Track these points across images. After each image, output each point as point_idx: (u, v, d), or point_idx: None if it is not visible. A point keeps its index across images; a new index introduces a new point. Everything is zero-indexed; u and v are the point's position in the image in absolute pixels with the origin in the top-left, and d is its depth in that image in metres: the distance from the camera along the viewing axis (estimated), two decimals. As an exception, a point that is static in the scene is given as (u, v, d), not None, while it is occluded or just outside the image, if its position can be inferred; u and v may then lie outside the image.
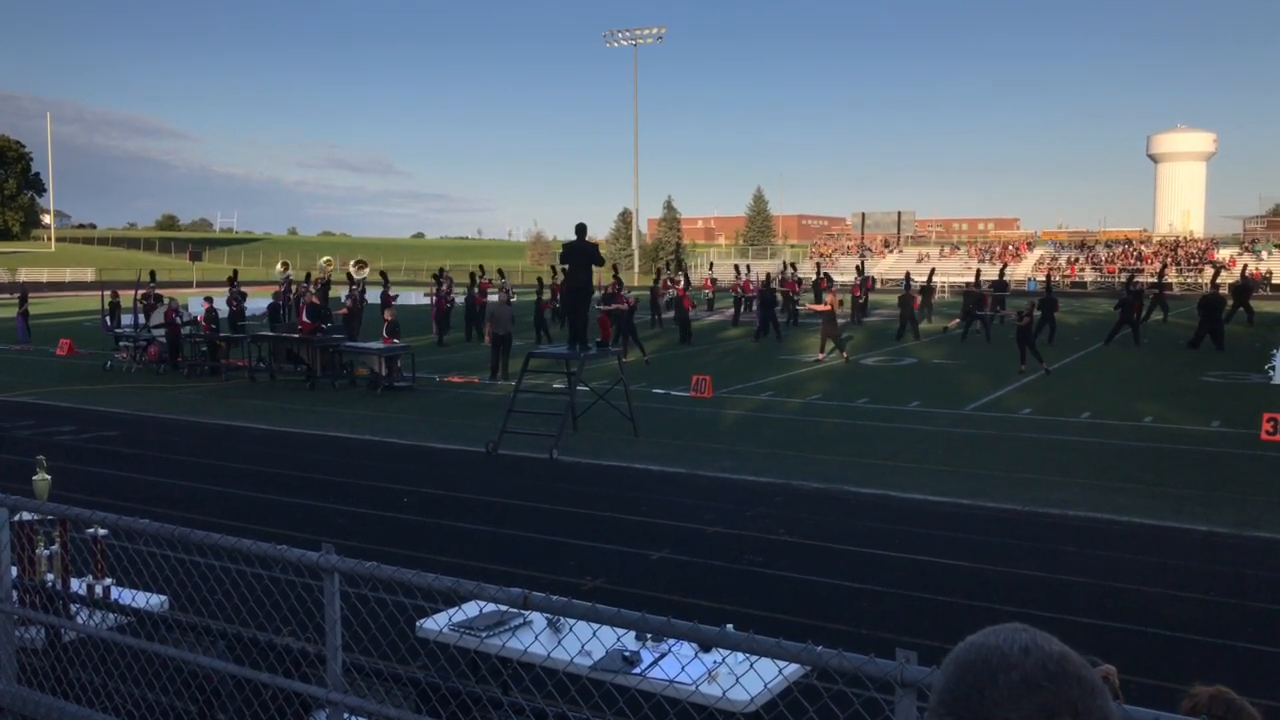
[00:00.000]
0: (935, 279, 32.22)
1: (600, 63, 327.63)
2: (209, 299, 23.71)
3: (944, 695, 1.05)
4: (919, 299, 30.59)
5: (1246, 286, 32.39)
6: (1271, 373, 19.89)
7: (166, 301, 23.56)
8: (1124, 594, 7.53)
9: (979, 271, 37.03)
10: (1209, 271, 46.69)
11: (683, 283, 32.10)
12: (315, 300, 21.73)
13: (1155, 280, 34.42)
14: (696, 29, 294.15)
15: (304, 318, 20.87)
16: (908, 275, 33.11)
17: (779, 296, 33.64)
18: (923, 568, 8.15)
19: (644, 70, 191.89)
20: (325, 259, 31.77)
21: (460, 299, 30.97)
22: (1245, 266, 36.20)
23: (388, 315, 21.09)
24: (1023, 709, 0.99)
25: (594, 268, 14.60)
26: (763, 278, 32.63)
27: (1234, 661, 6.26)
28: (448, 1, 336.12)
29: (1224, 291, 32.10)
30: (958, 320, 30.85)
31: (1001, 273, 35.41)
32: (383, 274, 30.50)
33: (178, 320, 22.43)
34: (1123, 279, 43.51)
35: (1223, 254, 64.10)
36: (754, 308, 30.42)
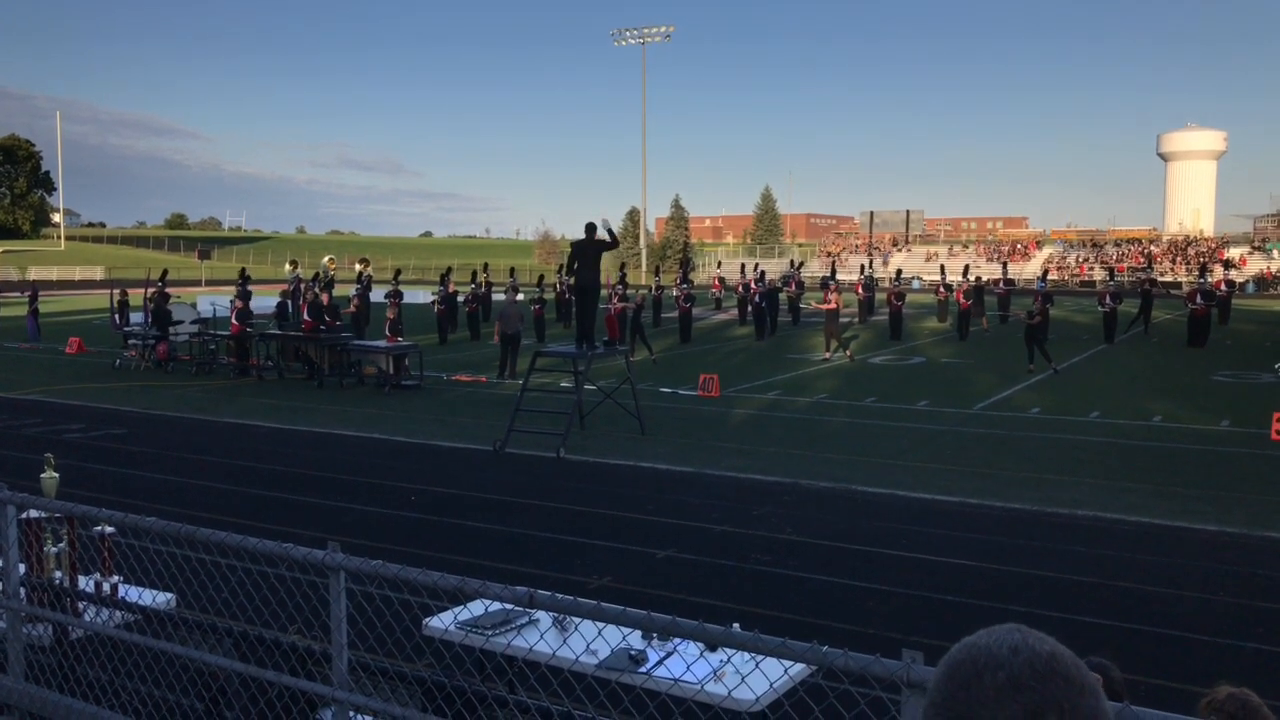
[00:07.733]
0: (969, 276, 31.62)
1: (608, 62, 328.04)
2: (235, 298, 22.52)
3: (934, 695, 1.06)
4: (968, 302, 29.74)
5: (978, 291, 31.34)
6: (1282, 372, 19.81)
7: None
8: (1132, 593, 7.50)
9: (1005, 270, 36.75)
10: (1219, 270, 46.49)
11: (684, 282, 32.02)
12: (325, 298, 21.71)
13: (1146, 278, 33.83)
14: (704, 27, 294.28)
15: (306, 316, 20.91)
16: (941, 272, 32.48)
17: (784, 296, 33.60)
18: (931, 567, 8.12)
19: (652, 69, 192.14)
20: (328, 258, 31.78)
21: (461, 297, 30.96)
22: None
23: (390, 314, 21.10)
24: (1008, 708, 0.98)
25: (603, 260, 14.55)
26: (757, 276, 32.16)
27: (1242, 662, 6.22)
28: (457, 2, 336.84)
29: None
30: (985, 320, 30.99)
31: (1005, 271, 35.45)
32: (397, 272, 30.42)
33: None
34: (1136, 277, 43.41)
35: (1233, 253, 63.87)
36: (761, 304, 30.20)
